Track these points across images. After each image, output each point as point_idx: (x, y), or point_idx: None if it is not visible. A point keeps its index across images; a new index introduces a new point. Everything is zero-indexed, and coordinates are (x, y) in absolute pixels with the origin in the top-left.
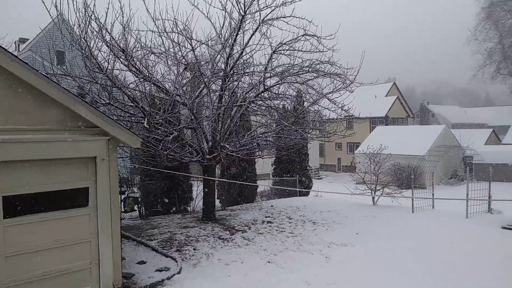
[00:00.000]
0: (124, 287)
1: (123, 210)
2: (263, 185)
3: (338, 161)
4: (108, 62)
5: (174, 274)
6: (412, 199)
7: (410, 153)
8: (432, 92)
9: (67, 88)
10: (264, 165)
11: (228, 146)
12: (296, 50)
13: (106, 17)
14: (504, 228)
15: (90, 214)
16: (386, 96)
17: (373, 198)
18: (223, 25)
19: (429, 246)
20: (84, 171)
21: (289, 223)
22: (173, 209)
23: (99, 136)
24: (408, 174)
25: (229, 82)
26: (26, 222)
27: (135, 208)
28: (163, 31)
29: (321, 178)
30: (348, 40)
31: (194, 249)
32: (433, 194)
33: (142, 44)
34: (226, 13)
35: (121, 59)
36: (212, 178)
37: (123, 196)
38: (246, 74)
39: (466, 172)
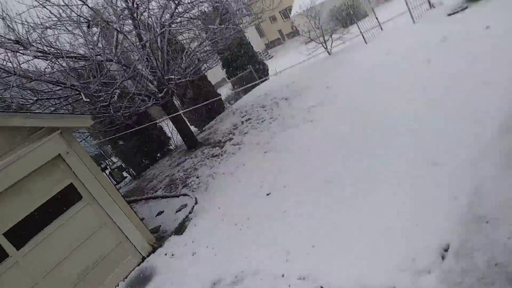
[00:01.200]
0: (158, 239)
1: (115, 182)
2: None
3: (280, 32)
4: (11, 61)
5: (193, 206)
6: (360, 31)
7: None
8: None
9: None
10: (216, 72)
11: (173, 76)
12: None
13: None
14: (449, 15)
15: (90, 203)
16: None
17: (326, 49)
18: None
19: (400, 62)
20: (58, 171)
21: (265, 110)
22: (158, 155)
23: (49, 134)
24: (347, 10)
25: (139, 16)
26: (38, 241)
27: (125, 174)
28: (45, 0)
29: (272, 57)
30: None
31: (197, 177)
32: (376, 18)
33: (32, 25)
34: None
35: (20, 51)
36: (176, 114)
37: (107, 172)
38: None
39: None
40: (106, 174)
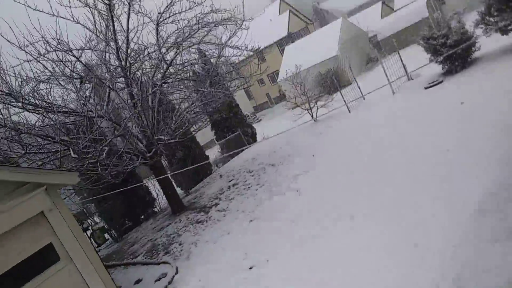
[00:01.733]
0: None
1: (95, 245)
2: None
3: (268, 96)
4: (1, 113)
5: (173, 276)
6: (345, 101)
7: (324, 58)
8: None
9: None
10: (205, 133)
11: (162, 137)
12: (176, 13)
13: None
14: (426, 88)
15: (67, 265)
16: (279, 15)
17: (312, 115)
18: (94, 21)
19: (377, 134)
20: (38, 229)
21: (252, 176)
22: (142, 217)
23: (34, 190)
24: (331, 78)
25: (131, 75)
26: None
27: (106, 236)
28: (38, 55)
29: (260, 120)
30: None
31: (180, 244)
32: (359, 87)
33: (25, 78)
34: (91, 8)
35: (12, 104)
36: (163, 177)
37: (89, 232)
38: (143, 59)
39: (376, 53)
40: (87, 234)
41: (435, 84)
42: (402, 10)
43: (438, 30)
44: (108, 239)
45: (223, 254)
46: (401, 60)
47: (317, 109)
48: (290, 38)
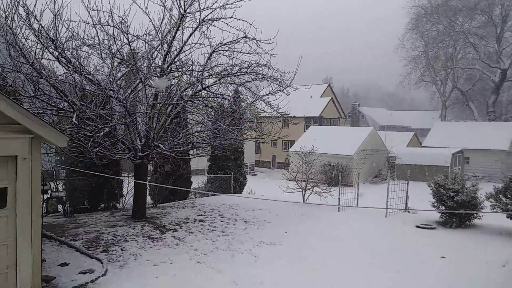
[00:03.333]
0: None
1: (45, 211)
2: (198, 191)
3: (273, 158)
4: (35, 52)
5: (99, 277)
6: (339, 199)
7: (340, 153)
8: (363, 94)
9: None
10: (200, 160)
11: (161, 146)
12: (235, 51)
13: (36, 3)
14: (417, 227)
15: (8, 216)
16: (321, 96)
17: (303, 196)
18: (162, 21)
19: (349, 245)
20: (3, 170)
21: (221, 221)
22: (101, 206)
23: (21, 133)
24: (337, 173)
25: (166, 79)
26: None
27: (59, 208)
28: (98, 22)
29: (256, 175)
30: (287, 43)
31: (122, 249)
32: (357, 194)
33: (75, 35)
34: (166, 10)
35: (50, 49)
36: (142, 182)
37: (46, 196)
38: (184, 72)
39: (388, 173)
40: (43, 197)
41: (427, 228)
42: (430, 149)
43: (452, 183)
44: (60, 211)
45: (153, 280)
46: (407, 191)
47: (311, 193)
48: (319, 120)
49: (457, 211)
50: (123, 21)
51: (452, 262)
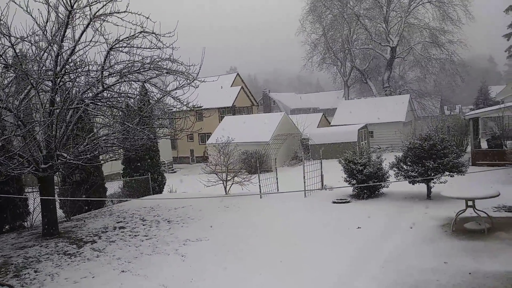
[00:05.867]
0: None
1: None
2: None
3: (191, 152)
4: None
5: None
6: (260, 186)
7: (256, 140)
8: (273, 80)
9: None
10: (113, 164)
11: (65, 155)
12: (134, 47)
13: None
14: (334, 202)
15: None
16: (231, 86)
17: (225, 188)
18: (47, 20)
19: (275, 228)
20: None
21: (143, 225)
22: (6, 227)
23: None
24: (255, 160)
25: (60, 83)
26: None
27: None
28: None
29: (175, 172)
30: (188, 35)
31: (36, 271)
32: (277, 179)
33: None
34: (51, 8)
35: None
36: (49, 198)
37: None
38: (81, 74)
39: (302, 154)
40: None
41: (342, 202)
42: (337, 127)
43: (360, 158)
44: None
45: None
46: (321, 170)
47: (232, 183)
48: (232, 110)
49: (366, 184)
50: (2, 22)
51: (367, 231)
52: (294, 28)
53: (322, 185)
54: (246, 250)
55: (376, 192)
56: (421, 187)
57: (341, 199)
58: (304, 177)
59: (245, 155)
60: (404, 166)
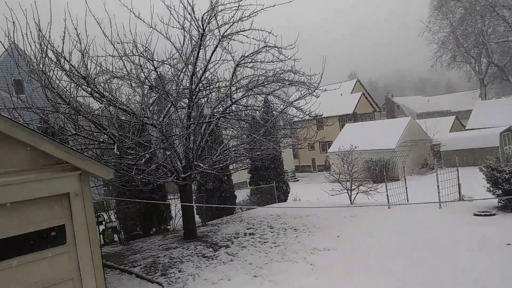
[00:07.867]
0: None
1: (102, 242)
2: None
3: (313, 161)
4: (70, 91)
5: None
6: (387, 196)
7: (380, 148)
8: (394, 84)
9: (28, 124)
10: (240, 173)
11: (201, 165)
12: (258, 61)
13: (63, 45)
14: (475, 215)
15: (69, 251)
16: (351, 93)
17: (350, 197)
18: (183, 43)
19: (406, 241)
20: (59, 208)
21: (271, 232)
22: (153, 230)
23: (70, 171)
24: (381, 168)
25: (195, 99)
26: (2, 268)
27: (115, 238)
28: (123, 54)
29: (297, 180)
30: (308, 44)
31: (179, 271)
32: (406, 188)
33: (104, 69)
34: (185, 32)
35: (83, 86)
36: (189, 204)
37: (101, 227)
38: (212, 90)
39: (434, 161)
40: (98, 229)
41: (486, 215)
42: (474, 131)
43: (505, 165)
44: (116, 240)
45: None
46: (458, 179)
47: (357, 193)
48: (354, 117)
49: None
50: (146, 49)
51: None
52: (414, 30)
53: (460, 196)
54: (374, 263)
55: None
56: None
57: (484, 211)
58: (438, 186)
59: (369, 163)
60: None
